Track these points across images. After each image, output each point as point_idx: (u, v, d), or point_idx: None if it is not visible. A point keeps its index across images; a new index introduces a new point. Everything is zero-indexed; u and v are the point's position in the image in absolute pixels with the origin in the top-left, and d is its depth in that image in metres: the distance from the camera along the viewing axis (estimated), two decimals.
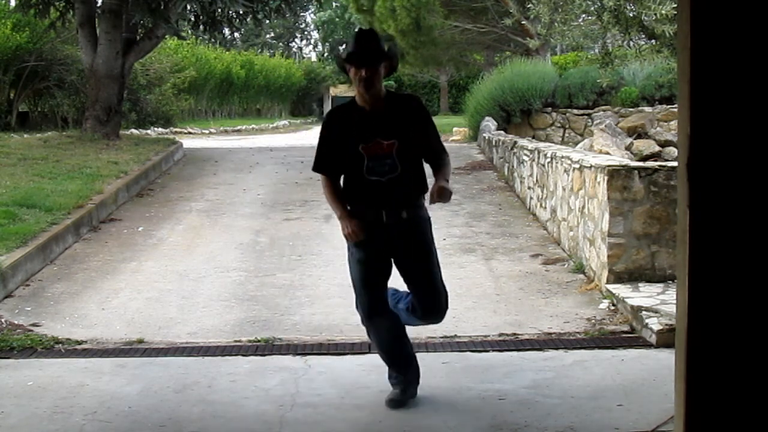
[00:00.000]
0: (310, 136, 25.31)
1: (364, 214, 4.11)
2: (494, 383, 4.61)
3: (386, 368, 4.75)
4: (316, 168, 4.22)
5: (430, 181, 4.20)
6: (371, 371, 4.79)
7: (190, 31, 20.47)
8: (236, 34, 45.65)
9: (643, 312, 5.53)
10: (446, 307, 4.29)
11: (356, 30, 4.19)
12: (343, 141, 4.10)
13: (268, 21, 22.40)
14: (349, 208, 4.17)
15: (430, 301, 4.22)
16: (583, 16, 12.79)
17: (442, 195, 4.07)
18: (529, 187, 9.87)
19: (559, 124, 16.25)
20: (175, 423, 4.09)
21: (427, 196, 4.21)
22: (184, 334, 5.64)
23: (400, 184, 4.07)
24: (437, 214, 9.74)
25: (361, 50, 4.01)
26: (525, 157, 10.22)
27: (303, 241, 8.37)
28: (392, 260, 4.23)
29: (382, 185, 4.05)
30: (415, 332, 5.58)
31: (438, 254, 4.33)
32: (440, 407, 4.23)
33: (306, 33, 61.54)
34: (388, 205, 4.08)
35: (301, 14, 54.68)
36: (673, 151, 10.49)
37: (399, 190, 4.08)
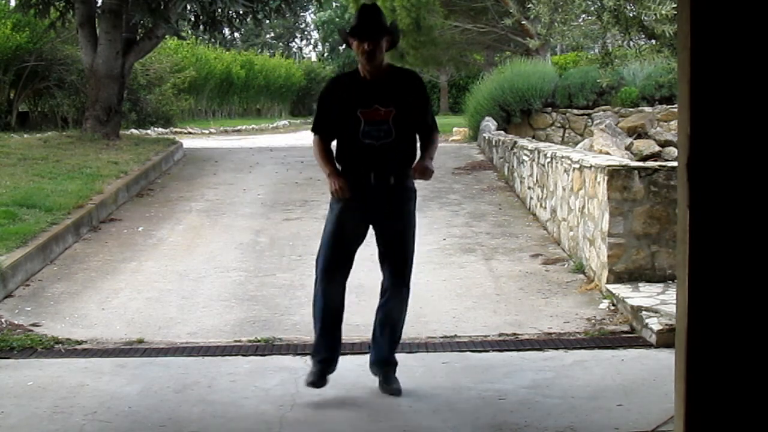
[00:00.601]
0: (309, 136, 25.26)
1: (353, 175, 4.30)
2: (494, 383, 4.61)
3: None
4: (316, 129, 4.44)
5: None
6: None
7: (190, 31, 20.48)
8: (236, 34, 45.65)
9: (643, 312, 5.53)
10: (407, 280, 4.44)
11: (360, 6, 4.37)
12: (342, 105, 4.30)
13: (268, 21, 22.43)
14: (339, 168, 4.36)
15: (397, 267, 4.40)
16: (583, 16, 12.78)
17: (424, 173, 4.31)
18: (529, 187, 9.87)
19: (559, 124, 16.25)
20: (175, 423, 4.08)
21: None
22: (184, 334, 5.64)
23: (392, 150, 4.26)
24: (437, 214, 9.78)
25: (364, 24, 4.23)
26: (525, 157, 10.22)
27: (303, 241, 8.36)
28: (370, 227, 4.40)
29: (374, 149, 4.24)
30: (415, 332, 5.59)
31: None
32: (440, 407, 4.23)
33: (306, 33, 61.53)
34: (377, 169, 4.27)
35: (301, 14, 54.70)
36: (673, 151, 10.48)
37: (390, 156, 4.26)
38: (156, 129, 22.01)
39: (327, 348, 4.45)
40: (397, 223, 4.37)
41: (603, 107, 15.59)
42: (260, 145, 18.01)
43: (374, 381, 4.61)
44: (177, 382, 4.66)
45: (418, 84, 4.44)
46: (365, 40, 4.19)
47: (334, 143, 4.50)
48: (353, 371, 4.81)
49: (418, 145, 4.46)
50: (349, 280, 6.92)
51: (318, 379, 4.37)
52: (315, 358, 4.45)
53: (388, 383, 4.46)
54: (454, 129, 19.29)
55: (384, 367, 4.50)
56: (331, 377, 4.71)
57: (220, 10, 15.67)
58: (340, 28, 4.85)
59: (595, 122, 12.96)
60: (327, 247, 4.40)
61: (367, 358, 5.07)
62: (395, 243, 4.39)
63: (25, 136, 15.60)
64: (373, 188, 4.28)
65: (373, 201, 4.31)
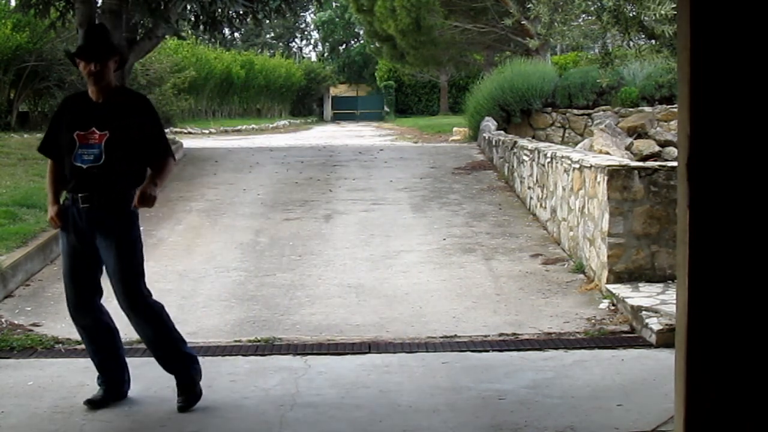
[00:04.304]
0: (310, 136, 25.29)
1: (68, 199, 4.22)
2: (494, 383, 4.61)
3: (387, 368, 4.76)
4: (41, 148, 4.37)
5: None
6: (371, 371, 4.80)
7: (190, 31, 20.45)
8: (236, 34, 45.68)
9: (643, 312, 5.53)
10: (134, 304, 4.24)
11: (88, 26, 4.30)
12: (66, 126, 4.21)
13: (268, 21, 22.43)
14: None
15: (118, 293, 4.22)
16: (583, 16, 12.78)
17: (143, 200, 4.14)
18: (529, 187, 9.87)
19: (559, 124, 16.25)
20: (175, 423, 4.09)
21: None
22: (184, 334, 5.60)
23: (103, 175, 4.12)
24: (437, 214, 9.79)
25: (91, 45, 4.17)
26: (525, 157, 10.23)
27: (303, 241, 8.37)
28: (93, 252, 4.25)
29: (82, 172, 4.13)
30: (415, 332, 5.60)
31: (138, 251, 4.27)
32: (440, 407, 4.23)
33: (306, 33, 61.57)
34: (85, 192, 4.14)
35: (301, 14, 54.72)
36: (673, 151, 10.48)
37: (99, 181, 4.13)
38: None
39: (108, 370, 4.38)
40: (109, 248, 4.18)
41: (603, 107, 15.59)
42: (260, 145, 18.02)
43: (374, 381, 4.61)
44: None
45: (145, 109, 4.29)
46: (91, 60, 4.11)
47: None
48: (353, 371, 4.81)
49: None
50: (348, 279, 6.99)
51: (98, 399, 4.28)
52: (98, 381, 4.39)
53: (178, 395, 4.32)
54: (454, 129, 19.28)
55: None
56: (331, 377, 4.72)
57: (220, 10, 15.65)
58: (66, 50, 4.69)
59: (595, 122, 12.96)
60: (66, 283, 4.28)
61: (367, 358, 5.09)
62: (110, 268, 4.21)
63: (25, 136, 15.60)
64: (82, 212, 4.15)
65: (84, 225, 4.16)
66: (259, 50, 48.76)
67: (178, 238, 8.59)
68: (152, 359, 5.09)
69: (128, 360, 5.08)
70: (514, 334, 5.55)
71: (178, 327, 5.77)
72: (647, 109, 14.53)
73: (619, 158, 7.99)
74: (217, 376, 4.76)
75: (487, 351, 5.22)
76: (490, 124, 15.27)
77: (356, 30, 49.45)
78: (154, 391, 4.53)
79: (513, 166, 11.11)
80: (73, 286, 4.26)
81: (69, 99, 4.47)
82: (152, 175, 4.28)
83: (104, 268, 4.27)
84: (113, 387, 4.35)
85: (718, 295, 2.37)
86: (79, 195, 4.14)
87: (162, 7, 14.48)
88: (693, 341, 2.39)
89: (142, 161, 4.28)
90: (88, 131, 4.14)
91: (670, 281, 6.19)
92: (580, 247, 7.24)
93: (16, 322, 5.86)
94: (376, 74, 43.81)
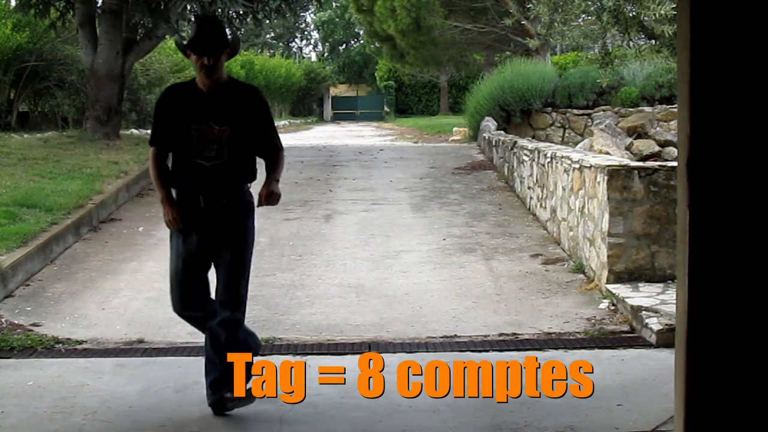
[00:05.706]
0: (310, 136, 25.30)
1: (184, 197, 4.12)
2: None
3: (389, 369, 4.74)
4: (153, 140, 4.22)
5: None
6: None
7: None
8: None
9: (643, 312, 5.53)
10: (243, 297, 4.28)
11: (199, 16, 4.16)
12: (177, 118, 4.08)
13: (268, 21, 22.43)
14: (174, 191, 4.16)
15: (230, 281, 4.20)
16: (583, 16, 12.78)
17: (270, 199, 4.15)
18: (529, 187, 9.88)
19: (559, 124, 16.26)
20: (175, 423, 4.09)
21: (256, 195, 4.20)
22: (184, 334, 5.62)
23: (224, 171, 4.06)
24: (437, 214, 9.79)
25: (204, 38, 4.01)
26: (525, 157, 10.23)
27: (303, 241, 8.37)
28: (212, 250, 4.19)
29: (205, 169, 4.04)
30: (415, 332, 5.60)
31: (247, 253, 4.25)
32: (440, 407, 4.23)
33: (306, 33, 61.57)
34: (207, 190, 4.07)
35: (301, 14, 54.70)
36: (673, 151, 10.48)
37: (221, 177, 4.06)
38: None
39: (210, 370, 4.23)
40: (227, 237, 4.13)
41: (603, 107, 15.60)
42: None
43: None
44: (177, 381, 4.67)
45: (259, 102, 4.20)
46: (204, 54, 3.98)
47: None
48: (353, 371, 4.80)
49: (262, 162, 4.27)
50: (348, 279, 6.99)
51: (212, 400, 4.18)
52: (207, 378, 4.25)
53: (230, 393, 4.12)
54: (454, 129, 19.29)
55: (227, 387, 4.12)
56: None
57: (220, 10, 15.66)
58: (177, 41, 4.43)
59: (595, 122, 12.97)
60: (173, 284, 4.19)
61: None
62: (229, 256, 4.16)
63: (25, 136, 15.59)
64: (203, 211, 4.07)
65: (206, 224, 4.10)
66: (259, 50, 48.77)
67: None
68: (152, 359, 5.11)
69: (128, 360, 5.11)
70: (514, 334, 5.56)
71: (177, 327, 5.79)
72: (647, 109, 14.54)
73: (619, 158, 7.99)
74: None
75: (487, 351, 5.22)
76: (490, 124, 15.28)
77: (356, 30, 49.47)
78: (154, 391, 4.53)
79: (513, 166, 11.11)
80: (181, 286, 4.15)
81: (174, 88, 4.35)
82: (271, 171, 4.22)
83: (215, 260, 4.20)
84: (216, 383, 4.19)
85: (718, 295, 2.37)
86: (202, 195, 4.06)
87: (162, 7, 14.49)
88: (693, 341, 2.40)
89: (256, 154, 4.22)
90: (206, 126, 4.03)
91: (670, 281, 6.19)
92: (580, 247, 7.25)
93: (16, 322, 5.86)
94: (376, 74, 43.85)
